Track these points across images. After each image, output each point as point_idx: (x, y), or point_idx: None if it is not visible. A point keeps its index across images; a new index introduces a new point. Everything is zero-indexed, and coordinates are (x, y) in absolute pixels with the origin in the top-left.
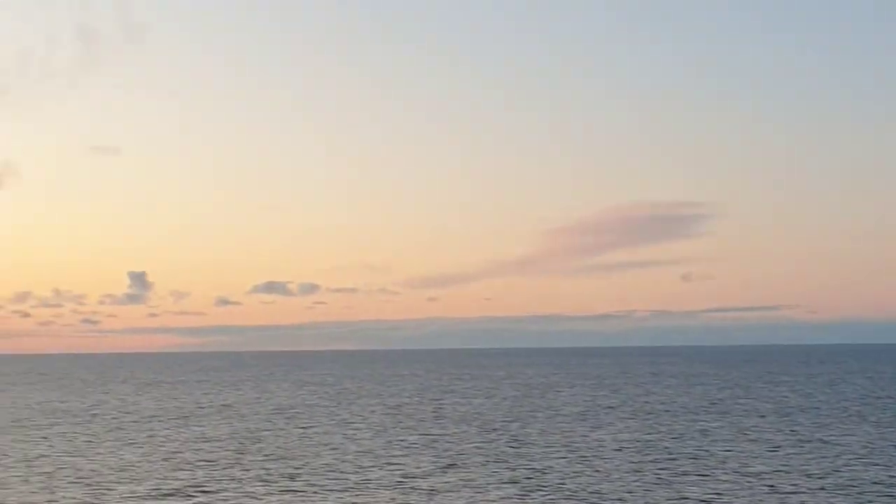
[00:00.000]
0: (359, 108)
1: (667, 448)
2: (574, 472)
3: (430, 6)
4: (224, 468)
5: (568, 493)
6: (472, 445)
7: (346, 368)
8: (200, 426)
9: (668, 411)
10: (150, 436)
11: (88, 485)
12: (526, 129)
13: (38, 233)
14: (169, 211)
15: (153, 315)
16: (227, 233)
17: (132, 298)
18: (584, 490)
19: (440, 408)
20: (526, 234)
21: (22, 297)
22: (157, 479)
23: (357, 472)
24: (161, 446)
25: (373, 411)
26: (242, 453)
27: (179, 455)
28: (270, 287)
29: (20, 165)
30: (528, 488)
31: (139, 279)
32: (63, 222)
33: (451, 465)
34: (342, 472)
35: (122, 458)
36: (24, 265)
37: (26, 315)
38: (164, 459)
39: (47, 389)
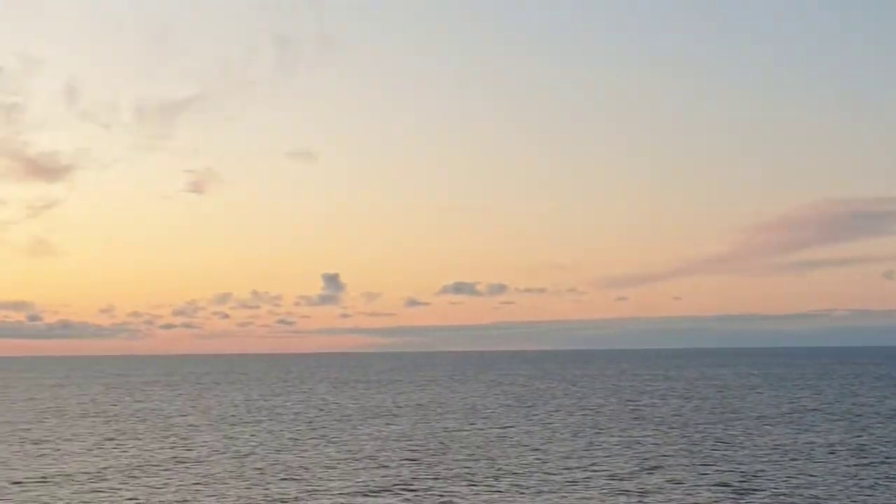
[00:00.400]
0: (550, 108)
1: (882, 452)
2: (787, 476)
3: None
4: (428, 466)
5: (783, 496)
6: (675, 447)
7: (535, 369)
8: (398, 425)
9: (877, 414)
10: (352, 434)
11: (299, 480)
12: (717, 125)
13: (238, 236)
14: (362, 214)
15: (345, 316)
16: (417, 234)
17: (325, 299)
18: (800, 494)
19: (637, 409)
20: (717, 232)
21: (222, 298)
22: (364, 476)
23: (562, 473)
24: (364, 444)
25: (570, 412)
26: (444, 452)
27: (383, 453)
28: (459, 287)
29: (221, 171)
30: (740, 491)
31: (332, 281)
32: (261, 226)
33: (656, 467)
34: (546, 472)
35: (327, 456)
36: (225, 267)
37: (226, 316)
38: (369, 457)
39: (248, 388)
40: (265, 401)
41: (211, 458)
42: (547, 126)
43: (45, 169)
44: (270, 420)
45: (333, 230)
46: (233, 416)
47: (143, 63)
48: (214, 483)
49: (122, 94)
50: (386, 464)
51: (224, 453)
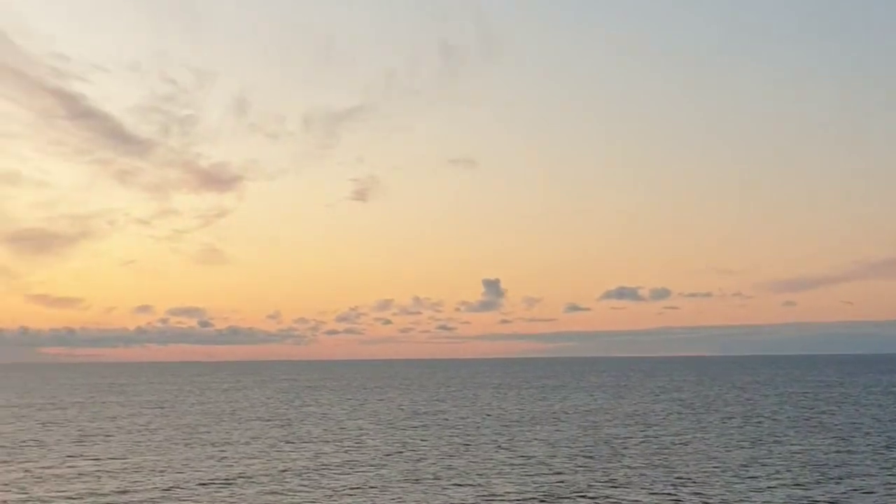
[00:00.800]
0: (719, 111)
1: None
2: None
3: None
4: (604, 473)
5: None
6: (859, 456)
7: (701, 374)
8: (567, 431)
9: None
10: (521, 439)
11: (474, 486)
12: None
13: (400, 243)
14: (522, 219)
15: (506, 321)
16: (578, 239)
17: (486, 305)
18: None
19: (814, 416)
20: (894, 235)
21: (385, 304)
22: (539, 481)
23: (744, 482)
24: (534, 449)
25: (745, 419)
26: (618, 459)
27: (555, 459)
28: (621, 293)
29: (384, 179)
30: None
31: (493, 286)
32: (423, 233)
33: (842, 477)
34: (728, 480)
35: (499, 461)
36: (387, 274)
37: (388, 322)
38: (541, 463)
39: (412, 393)
40: (430, 405)
41: (385, 462)
42: (713, 129)
43: (216, 179)
44: (438, 425)
45: (494, 236)
46: (401, 420)
47: (310, 74)
48: (391, 486)
49: (289, 105)
50: (560, 470)
51: (396, 457)
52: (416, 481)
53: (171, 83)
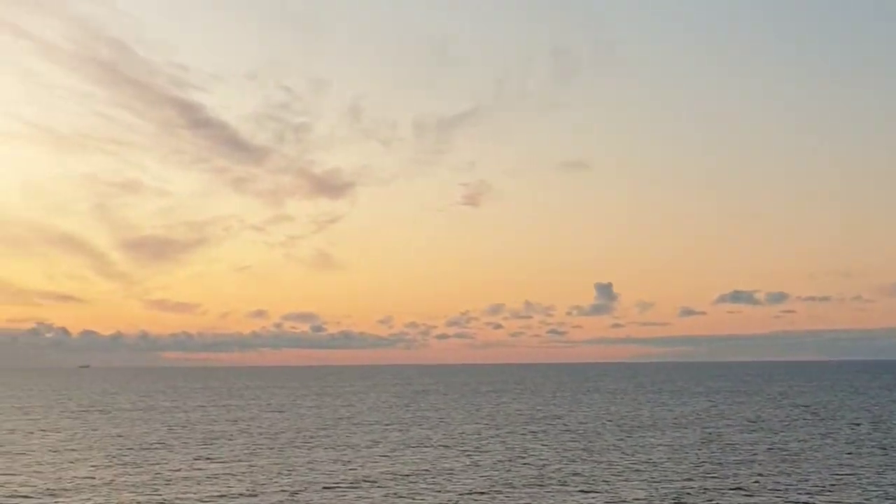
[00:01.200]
0: (835, 111)
1: None
2: None
3: None
4: (734, 479)
5: None
6: None
7: (821, 380)
8: (688, 436)
9: None
10: (641, 444)
11: (601, 492)
12: None
13: (512, 247)
14: (635, 222)
15: (618, 326)
16: (692, 242)
17: (598, 309)
18: None
19: None
20: None
21: (496, 309)
22: (667, 487)
23: (884, 489)
24: (656, 454)
25: (873, 425)
26: (747, 465)
27: (681, 466)
28: (737, 296)
29: (495, 183)
30: None
31: (606, 290)
32: (534, 237)
33: None
34: (863, 488)
35: (623, 466)
36: (499, 279)
37: (499, 326)
38: (664, 468)
39: (525, 397)
40: (546, 410)
41: (508, 466)
42: (831, 129)
43: (329, 185)
44: (557, 430)
45: (606, 239)
46: (519, 424)
47: (422, 80)
48: (517, 491)
49: (401, 111)
50: (689, 476)
51: (519, 462)
52: (542, 486)
53: (287, 91)
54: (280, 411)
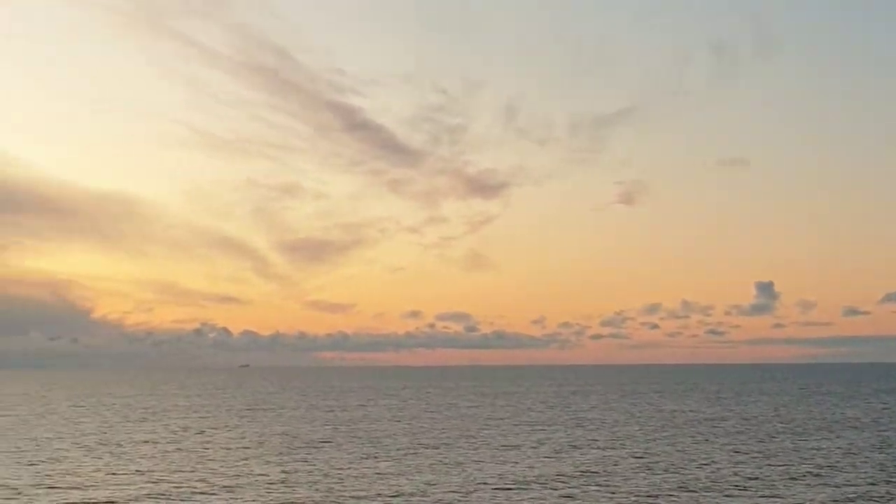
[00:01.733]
0: None
1: None
2: None
3: None
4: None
5: None
6: None
7: None
8: (868, 438)
9: None
10: (812, 447)
11: (780, 496)
12: None
13: (668, 246)
14: (797, 219)
15: (778, 326)
16: (856, 240)
17: (758, 309)
18: None
19: None
20: None
21: (652, 308)
22: (850, 486)
23: None
24: (838, 458)
25: None
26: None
27: (843, 467)
28: None
29: (651, 181)
30: None
31: (766, 289)
32: (692, 235)
33: None
34: None
35: (798, 469)
36: (655, 278)
37: (655, 326)
38: (833, 470)
39: (686, 398)
40: (710, 411)
41: (679, 468)
42: None
43: (484, 186)
44: (726, 431)
45: (767, 237)
46: (684, 425)
47: (577, 78)
48: (693, 493)
49: (556, 110)
50: (871, 479)
51: (690, 464)
52: (719, 491)
53: (442, 93)
54: (439, 411)
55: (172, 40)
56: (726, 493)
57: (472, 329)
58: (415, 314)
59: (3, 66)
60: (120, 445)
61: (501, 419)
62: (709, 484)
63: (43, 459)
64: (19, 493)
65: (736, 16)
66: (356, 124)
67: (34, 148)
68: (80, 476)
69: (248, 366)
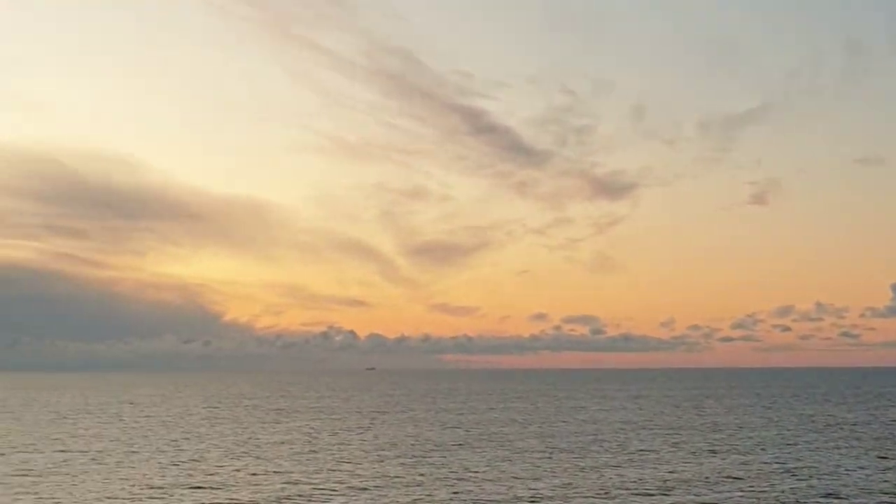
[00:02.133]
0: None
1: None
2: None
3: None
4: None
5: None
6: None
7: None
8: None
9: None
10: None
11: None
12: None
13: (801, 247)
14: None
15: None
16: None
17: (894, 311)
18: None
19: None
20: None
21: (784, 311)
22: None
23: None
24: None
25: None
26: None
27: None
28: None
29: (784, 181)
30: None
31: None
32: (826, 236)
33: None
34: None
35: None
36: (787, 279)
37: (787, 329)
38: None
39: (815, 402)
40: (850, 416)
41: (824, 475)
42: None
43: (611, 187)
44: (855, 437)
45: None
46: (822, 430)
47: (707, 77)
48: (825, 502)
49: (686, 110)
50: None
51: (837, 471)
52: (870, 497)
53: (569, 94)
54: (570, 414)
55: (302, 47)
56: (880, 502)
57: (598, 332)
58: (540, 317)
59: (140, 74)
60: (258, 446)
61: (634, 423)
62: (857, 492)
63: (185, 460)
64: (165, 493)
65: (869, 13)
66: (482, 127)
67: (168, 155)
68: (221, 476)
69: (374, 368)
